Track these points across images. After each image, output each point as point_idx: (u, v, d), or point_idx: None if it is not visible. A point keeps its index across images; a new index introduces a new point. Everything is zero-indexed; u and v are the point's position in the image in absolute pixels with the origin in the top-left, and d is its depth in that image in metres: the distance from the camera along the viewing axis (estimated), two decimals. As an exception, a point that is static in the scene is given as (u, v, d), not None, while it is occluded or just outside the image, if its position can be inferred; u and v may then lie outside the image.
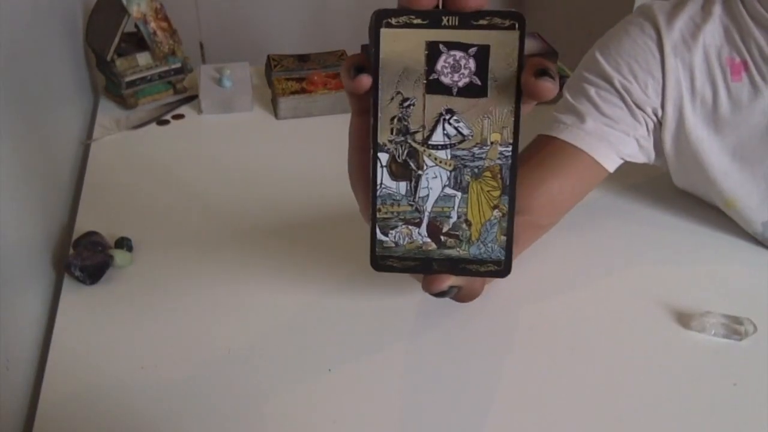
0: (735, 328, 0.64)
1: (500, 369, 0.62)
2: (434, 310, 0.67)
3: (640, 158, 0.72)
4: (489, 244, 0.38)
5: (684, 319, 0.66)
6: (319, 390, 0.59)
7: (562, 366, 0.61)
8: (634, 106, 0.68)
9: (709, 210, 0.78)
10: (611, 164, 0.69)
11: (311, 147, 0.95)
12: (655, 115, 0.69)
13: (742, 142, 0.68)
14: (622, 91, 0.68)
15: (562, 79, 1.05)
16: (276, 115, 1.04)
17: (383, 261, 0.38)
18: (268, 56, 1.12)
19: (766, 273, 0.72)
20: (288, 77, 1.07)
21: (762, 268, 0.72)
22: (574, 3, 1.53)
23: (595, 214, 0.79)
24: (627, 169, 0.72)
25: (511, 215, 0.37)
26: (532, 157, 0.68)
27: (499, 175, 0.37)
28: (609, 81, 0.68)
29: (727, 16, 0.67)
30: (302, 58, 1.12)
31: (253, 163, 0.92)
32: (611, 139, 0.68)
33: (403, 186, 0.38)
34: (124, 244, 0.74)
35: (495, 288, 0.68)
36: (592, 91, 0.69)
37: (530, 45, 1.13)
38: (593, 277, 0.72)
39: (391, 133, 0.37)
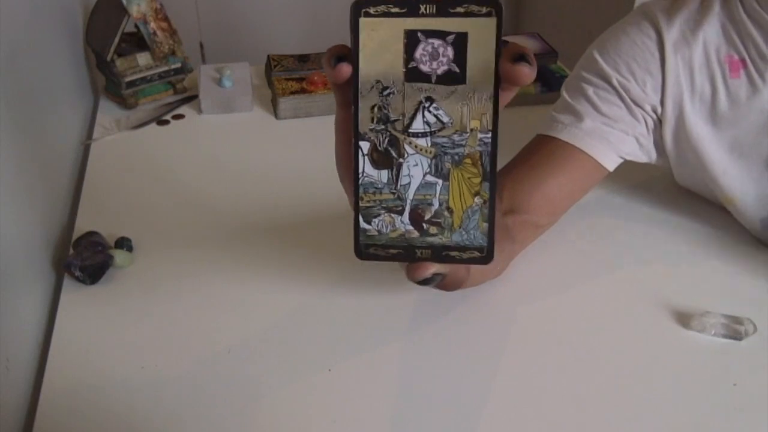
0: (735, 328, 0.64)
1: (500, 369, 0.62)
2: (434, 309, 0.67)
3: (641, 157, 0.71)
4: (471, 231, 0.38)
5: (684, 319, 0.66)
6: (319, 390, 0.59)
7: (561, 365, 0.61)
8: (632, 105, 0.68)
9: (709, 209, 0.78)
10: (610, 163, 0.69)
11: (311, 147, 0.95)
12: (655, 112, 0.69)
13: (740, 140, 0.68)
14: (621, 90, 0.68)
15: (561, 79, 1.05)
16: (276, 115, 1.04)
17: (367, 249, 0.39)
18: (268, 56, 1.12)
19: (766, 273, 0.72)
20: (288, 77, 1.07)
21: (762, 268, 0.72)
22: (574, 3, 1.53)
23: (595, 214, 0.79)
24: (627, 168, 0.72)
25: (492, 202, 0.37)
26: (531, 156, 0.68)
27: (479, 162, 0.37)
28: (607, 80, 0.68)
29: (725, 13, 0.67)
30: (302, 58, 1.12)
31: (253, 163, 0.92)
32: (610, 138, 0.68)
33: (384, 174, 0.38)
34: (124, 244, 0.74)
35: (494, 287, 0.68)
36: (590, 90, 0.69)
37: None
38: (592, 276, 0.72)
39: (372, 122, 0.37)
